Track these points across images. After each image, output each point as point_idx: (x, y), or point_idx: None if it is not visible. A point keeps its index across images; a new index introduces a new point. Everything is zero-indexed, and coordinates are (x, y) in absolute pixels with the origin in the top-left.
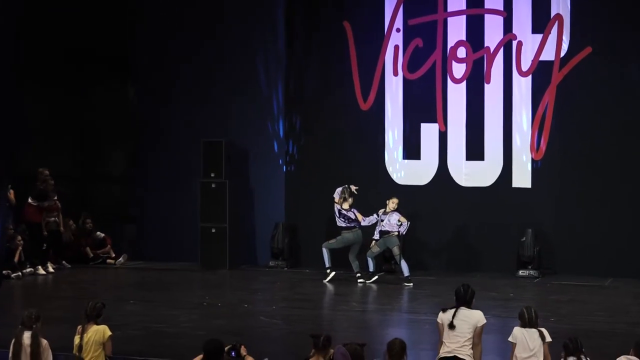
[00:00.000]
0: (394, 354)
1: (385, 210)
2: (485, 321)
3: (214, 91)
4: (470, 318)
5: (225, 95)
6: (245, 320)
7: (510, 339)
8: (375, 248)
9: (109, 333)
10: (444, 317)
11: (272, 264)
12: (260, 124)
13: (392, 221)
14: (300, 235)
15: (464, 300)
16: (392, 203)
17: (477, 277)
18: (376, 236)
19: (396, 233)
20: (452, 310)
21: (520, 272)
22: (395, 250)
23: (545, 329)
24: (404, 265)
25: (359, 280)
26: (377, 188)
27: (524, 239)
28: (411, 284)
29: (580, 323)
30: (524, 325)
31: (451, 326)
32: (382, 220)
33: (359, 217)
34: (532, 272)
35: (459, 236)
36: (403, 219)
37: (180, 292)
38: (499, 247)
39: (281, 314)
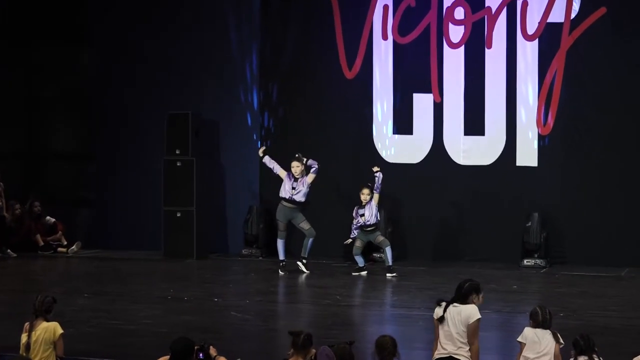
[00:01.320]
0: (384, 352)
1: (361, 205)
2: (479, 316)
3: (179, 58)
4: (461, 314)
5: (193, 62)
6: (215, 316)
7: (519, 339)
8: (359, 243)
9: (60, 331)
10: (438, 312)
11: (245, 252)
12: (232, 94)
13: (374, 212)
14: (276, 221)
15: (457, 294)
16: (365, 195)
17: (477, 267)
18: (354, 234)
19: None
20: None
21: (525, 262)
22: (380, 238)
23: (554, 326)
24: (389, 253)
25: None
26: (364, 167)
27: (529, 224)
28: (395, 273)
29: (593, 319)
30: (536, 326)
31: (440, 320)
32: (362, 215)
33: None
34: (538, 261)
35: (456, 221)
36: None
37: (141, 285)
38: (500, 233)
39: (256, 308)
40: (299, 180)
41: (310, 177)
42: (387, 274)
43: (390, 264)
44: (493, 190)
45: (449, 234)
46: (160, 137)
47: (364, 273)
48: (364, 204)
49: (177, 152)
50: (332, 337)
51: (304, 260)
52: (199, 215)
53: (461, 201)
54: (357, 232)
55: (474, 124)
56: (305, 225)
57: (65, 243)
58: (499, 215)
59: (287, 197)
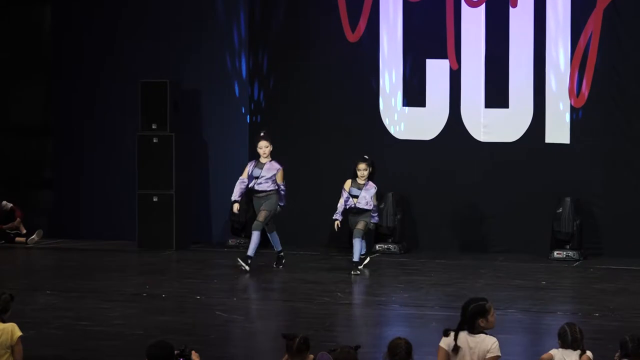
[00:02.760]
0: (397, 357)
1: (356, 182)
2: (499, 354)
3: (156, 18)
4: (479, 346)
5: (171, 25)
6: (198, 316)
7: None
8: (356, 224)
9: (18, 333)
10: (450, 342)
11: (232, 242)
12: (217, 61)
13: (369, 197)
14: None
15: (463, 320)
16: (362, 170)
17: (500, 259)
18: (338, 216)
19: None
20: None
21: (556, 254)
22: (361, 225)
23: (589, 326)
24: (359, 246)
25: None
26: (369, 145)
27: (561, 210)
28: (358, 272)
29: (633, 319)
30: (564, 346)
31: (455, 350)
32: (356, 196)
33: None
34: (570, 253)
35: (476, 207)
36: (374, 200)
37: (112, 280)
38: (528, 221)
39: (244, 307)
40: (266, 165)
41: (279, 178)
42: (353, 272)
43: (357, 259)
44: (518, 171)
45: (467, 222)
46: (133, 109)
47: (365, 262)
48: (360, 181)
49: (153, 126)
50: (332, 340)
51: (249, 261)
52: (178, 199)
53: (481, 184)
54: (341, 215)
55: (497, 95)
56: (260, 217)
57: (24, 232)
58: (525, 200)
59: (251, 187)
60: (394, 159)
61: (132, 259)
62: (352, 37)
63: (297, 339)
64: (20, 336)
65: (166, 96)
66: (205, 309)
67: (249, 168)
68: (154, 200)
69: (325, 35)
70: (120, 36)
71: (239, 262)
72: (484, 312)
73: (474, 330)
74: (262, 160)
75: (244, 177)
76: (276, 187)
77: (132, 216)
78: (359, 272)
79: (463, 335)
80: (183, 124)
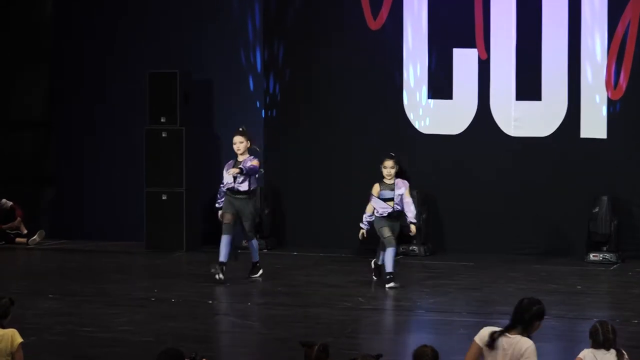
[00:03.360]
0: None
1: (384, 184)
2: (535, 358)
3: (165, 8)
4: (514, 348)
5: (182, 14)
6: (209, 322)
7: None
8: (385, 230)
9: (19, 340)
10: (485, 337)
11: (246, 243)
12: (230, 54)
13: (404, 195)
14: (285, 205)
15: (517, 319)
16: (389, 168)
17: (532, 262)
18: (365, 224)
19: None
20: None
21: (592, 256)
22: (385, 232)
23: (627, 333)
24: (391, 256)
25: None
26: (392, 141)
27: (597, 209)
28: (393, 283)
29: None
30: (596, 346)
31: (490, 345)
32: (391, 199)
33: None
34: (607, 255)
35: (506, 206)
36: (409, 198)
37: (118, 283)
38: (562, 221)
39: (259, 313)
40: (243, 162)
41: (256, 162)
42: (388, 285)
43: (390, 269)
44: (551, 168)
45: (497, 222)
46: (141, 102)
47: (393, 285)
48: (387, 181)
49: (162, 120)
50: (353, 348)
51: (223, 268)
52: (189, 198)
53: (512, 181)
54: (367, 225)
55: (529, 86)
56: (246, 226)
57: (25, 232)
58: (559, 199)
59: (230, 187)
60: (419, 155)
61: (139, 261)
62: (373, 24)
63: (316, 347)
64: (21, 343)
65: (176, 87)
66: (218, 315)
67: (227, 168)
68: (163, 198)
69: (345, 23)
70: (127, 26)
71: (215, 271)
72: (543, 315)
73: (530, 332)
74: (239, 158)
75: (224, 181)
76: (252, 187)
77: (140, 215)
78: (396, 285)
79: (502, 337)
80: (194, 117)
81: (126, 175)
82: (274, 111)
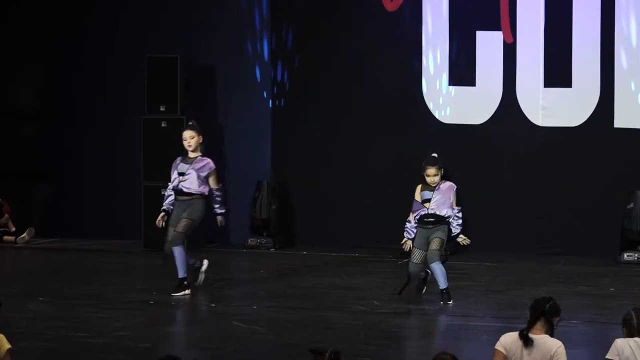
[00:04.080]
0: None
1: (427, 185)
2: (564, 358)
3: None
4: (540, 348)
5: (186, 2)
6: (213, 327)
7: (609, 355)
8: (417, 255)
9: (7, 346)
10: (509, 343)
11: (252, 242)
12: (236, 41)
13: (446, 198)
14: (294, 200)
15: (538, 318)
16: (432, 176)
17: (561, 262)
18: (409, 233)
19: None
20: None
21: (626, 256)
22: (436, 243)
23: None
24: (440, 270)
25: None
26: (411, 132)
27: (632, 205)
28: (451, 300)
29: None
30: (630, 335)
31: (527, 343)
32: (429, 200)
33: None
34: None
35: (533, 201)
36: (454, 201)
37: (113, 285)
38: (593, 218)
39: (266, 317)
40: (195, 161)
41: (212, 183)
42: (444, 301)
43: (445, 285)
44: (582, 160)
45: (524, 219)
46: (139, 89)
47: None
48: (432, 183)
49: (162, 108)
50: (367, 355)
51: (185, 282)
52: None
53: (540, 174)
54: (415, 231)
55: (558, 72)
56: (179, 228)
57: (14, 230)
58: (590, 194)
59: (174, 186)
60: (439, 146)
61: (137, 261)
62: (390, 5)
63: (327, 354)
64: (9, 349)
65: (177, 74)
66: (221, 319)
67: (174, 166)
68: (162, 193)
69: (359, 5)
70: (125, 9)
71: (176, 295)
72: (559, 311)
73: (552, 330)
74: (190, 155)
75: (172, 184)
76: (203, 191)
77: (137, 212)
78: (450, 302)
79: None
80: (196, 106)
81: (122, 168)
82: (282, 101)
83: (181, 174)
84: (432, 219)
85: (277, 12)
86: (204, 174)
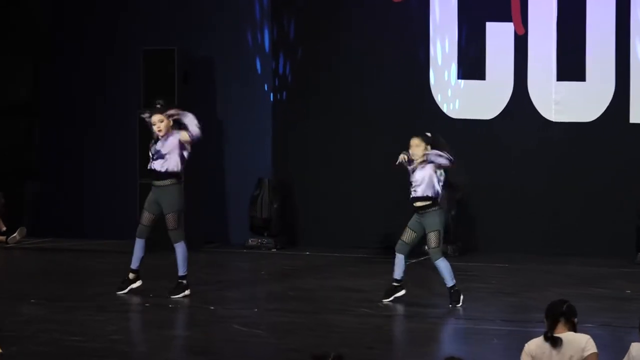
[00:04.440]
0: None
1: (408, 159)
2: (596, 349)
3: None
4: (569, 345)
5: None
6: (212, 330)
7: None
8: (407, 234)
9: None
10: (534, 349)
11: (253, 242)
12: (236, 32)
13: (427, 178)
14: (296, 199)
15: (555, 320)
16: (417, 147)
17: (574, 263)
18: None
19: (435, 206)
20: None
21: None
22: (432, 240)
23: None
24: (444, 268)
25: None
26: (418, 127)
27: None
28: (460, 301)
29: None
30: None
31: (555, 343)
32: (413, 173)
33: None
34: None
35: (545, 200)
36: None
37: (108, 286)
38: (608, 217)
39: (267, 320)
40: (165, 140)
41: (184, 135)
42: (452, 303)
43: (452, 283)
44: (597, 156)
45: (535, 218)
46: (134, 83)
47: (400, 294)
48: (415, 159)
49: (158, 104)
50: None
51: (184, 281)
52: (188, 191)
53: (552, 172)
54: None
55: (571, 65)
56: (169, 224)
57: (4, 229)
58: (605, 192)
59: (148, 168)
60: (448, 142)
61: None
62: None
63: (330, 358)
64: (0, 354)
65: (174, 67)
66: (221, 322)
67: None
68: None
69: None
70: (122, 2)
71: (175, 297)
72: (576, 312)
73: (575, 328)
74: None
75: None
76: (176, 170)
77: (133, 210)
78: (459, 302)
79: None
80: (194, 100)
81: (118, 165)
82: (284, 94)
83: (152, 154)
84: (420, 203)
85: (278, 2)
86: (173, 146)
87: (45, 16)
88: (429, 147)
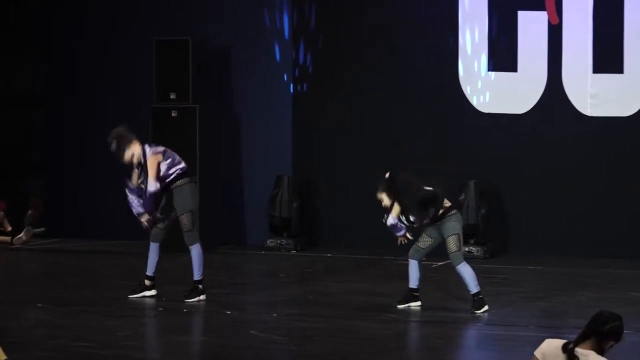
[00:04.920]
0: None
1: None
2: None
3: None
4: None
5: None
6: (228, 336)
7: None
8: (424, 240)
9: (2, 357)
10: (548, 352)
11: (271, 243)
12: (252, 21)
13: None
14: (317, 198)
15: (591, 333)
16: (383, 202)
17: (611, 266)
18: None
19: (453, 209)
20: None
21: None
22: (452, 244)
23: None
24: (467, 273)
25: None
26: (445, 121)
27: None
28: (484, 308)
29: None
30: None
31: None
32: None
33: None
34: None
35: (581, 199)
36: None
37: (119, 290)
38: None
39: (286, 326)
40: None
41: (152, 160)
42: (473, 310)
43: (476, 289)
44: (635, 153)
45: (570, 218)
46: (146, 75)
47: (415, 304)
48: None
49: (172, 96)
50: None
51: (199, 285)
52: (203, 189)
53: (588, 169)
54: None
55: (608, 57)
56: (184, 226)
57: (10, 229)
58: None
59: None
60: (477, 138)
61: (143, 264)
62: None
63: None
64: None
65: (188, 58)
66: (238, 328)
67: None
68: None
69: None
70: None
71: (189, 301)
72: (619, 336)
73: (603, 350)
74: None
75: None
76: (175, 172)
77: None
78: (480, 310)
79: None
80: (209, 93)
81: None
82: (305, 85)
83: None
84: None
85: None
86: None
87: (47, 3)
88: (391, 193)
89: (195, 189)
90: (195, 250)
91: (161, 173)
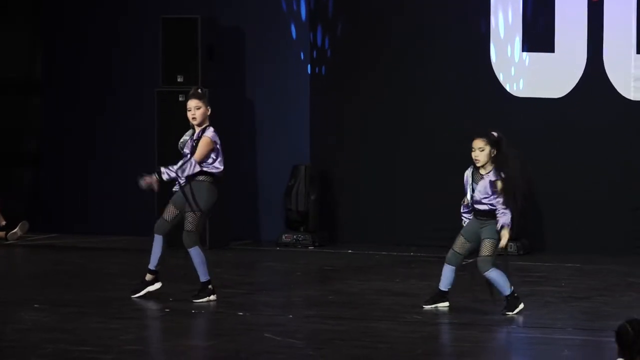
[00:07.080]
0: None
1: (477, 172)
2: None
3: None
4: None
5: None
6: (240, 340)
7: None
8: (459, 244)
9: None
10: None
11: (287, 239)
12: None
13: (487, 189)
14: (337, 190)
15: (623, 348)
16: (480, 150)
17: None
18: (464, 220)
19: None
20: None
21: None
22: (488, 247)
23: None
24: (497, 277)
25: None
26: (477, 108)
27: None
28: (519, 308)
29: None
30: None
31: None
32: (473, 190)
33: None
34: None
35: (624, 191)
36: (498, 190)
37: (122, 290)
38: None
39: (303, 328)
40: (196, 135)
41: (208, 142)
42: (505, 311)
43: (507, 292)
44: None
45: (612, 212)
46: (152, 57)
47: (443, 305)
48: (479, 166)
49: (179, 79)
50: None
51: (209, 285)
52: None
53: (633, 158)
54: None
55: None
56: (187, 225)
57: (4, 224)
58: None
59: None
60: (511, 125)
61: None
62: None
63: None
64: None
65: (197, 38)
66: (251, 330)
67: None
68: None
69: None
70: None
71: (198, 302)
72: None
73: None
74: (197, 129)
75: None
76: (206, 170)
77: (150, 203)
78: (515, 309)
79: None
80: (220, 76)
81: (133, 151)
82: (323, 68)
83: (181, 148)
84: (478, 213)
85: None
86: (206, 142)
87: None
88: (494, 150)
89: (215, 191)
90: (194, 253)
91: (208, 160)
